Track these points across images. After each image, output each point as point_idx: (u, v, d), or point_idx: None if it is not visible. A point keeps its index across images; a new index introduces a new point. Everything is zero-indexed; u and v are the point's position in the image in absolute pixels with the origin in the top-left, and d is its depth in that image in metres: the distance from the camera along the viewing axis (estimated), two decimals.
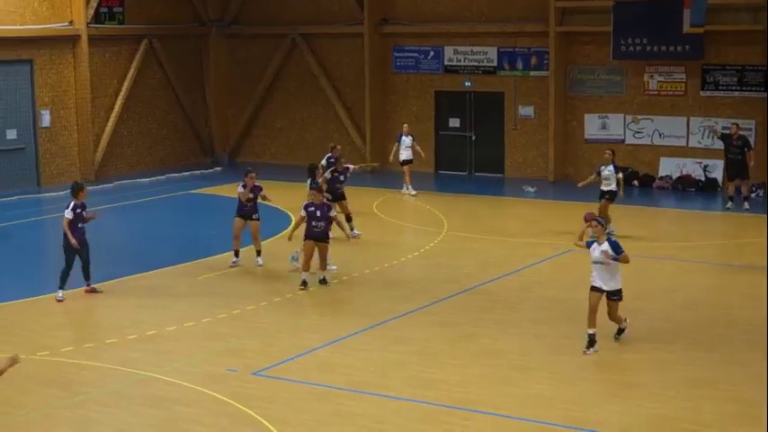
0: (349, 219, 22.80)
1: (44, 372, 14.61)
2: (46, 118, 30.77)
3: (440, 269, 20.51)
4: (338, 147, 25.36)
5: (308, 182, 21.82)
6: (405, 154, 28.77)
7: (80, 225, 18.39)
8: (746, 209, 25.48)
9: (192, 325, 16.75)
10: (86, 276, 18.61)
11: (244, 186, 20.46)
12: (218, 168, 33.89)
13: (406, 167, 28.61)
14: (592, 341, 15.18)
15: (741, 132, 26.60)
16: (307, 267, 18.85)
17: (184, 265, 20.71)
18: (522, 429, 12.49)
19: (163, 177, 32.27)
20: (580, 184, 23.92)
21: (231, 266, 20.38)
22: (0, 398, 13.38)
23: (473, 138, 32.63)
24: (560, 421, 12.62)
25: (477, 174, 32.41)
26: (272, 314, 17.46)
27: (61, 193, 29.25)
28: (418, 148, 28.76)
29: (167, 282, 19.64)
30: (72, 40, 31.10)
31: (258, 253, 20.60)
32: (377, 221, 25.24)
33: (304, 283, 18.79)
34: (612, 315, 15.41)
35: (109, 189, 30.56)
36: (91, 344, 15.71)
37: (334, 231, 20.30)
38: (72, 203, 18.27)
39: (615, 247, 15.08)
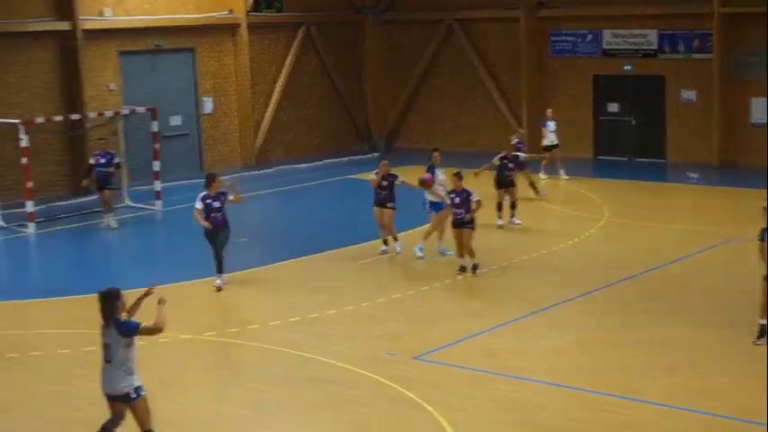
0: (513, 206, 22.65)
1: (210, 352, 14.99)
2: (208, 105, 31.52)
3: (600, 256, 20.21)
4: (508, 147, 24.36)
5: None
6: (548, 139, 28.48)
7: (213, 214, 18.23)
8: None
9: (351, 309, 16.92)
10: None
11: (376, 174, 20.45)
12: (375, 154, 34.09)
13: (548, 153, 28.29)
14: (763, 332, 14.71)
15: None
16: (460, 254, 18.82)
17: (343, 250, 20.91)
18: (687, 420, 12.18)
19: (320, 163, 32.67)
20: None
21: (379, 254, 20.38)
22: (170, 377, 13.80)
23: (633, 122, 32.00)
24: (729, 413, 12.28)
25: (637, 159, 31.78)
26: (431, 299, 17.50)
27: (224, 177, 29.86)
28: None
29: (326, 266, 19.87)
30: (232, 28, 31.75)
31: (395, 239, 20.54)
32: (535, 207, 25.01)
33: (461, 269, 18.76)
34: None
35: (269, 174, 31.12)
36: (255, 325, 16.02)
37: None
38: (202, 194, 18.24)
39: None
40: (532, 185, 25.36)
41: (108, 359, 10.46)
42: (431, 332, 15.64)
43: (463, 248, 18.78)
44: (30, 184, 23.48)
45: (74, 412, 12.37)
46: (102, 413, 11.49)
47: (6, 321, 16.62)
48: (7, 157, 25.19)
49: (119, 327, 10.36)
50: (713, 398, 12.77)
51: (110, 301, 10.44)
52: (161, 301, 10.66)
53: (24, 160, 23.45)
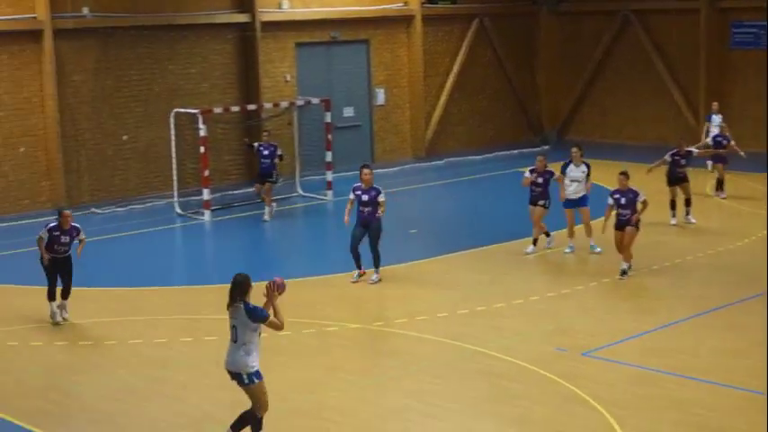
0: (688, 203, 22.10)
1: (379, 342, 15.16)
2: (380, 96, 31.81)
3: None
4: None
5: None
6: (713, 132, 27.58)
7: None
8: None
9: (520, 302, 16.84)
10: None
11: (531, 171, 20.15)
12: (546, 147, 33.79)
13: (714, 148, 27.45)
14: None
15: None
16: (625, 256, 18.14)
17: (510, 243, 20.76)
18: None
19: (491, 155, 32.57)
20: None
21: (526, 253, 19.94)
22: (337, 365, 14.02)
23: None
24: None
25: None
26: (601, 295, 17.28)
27: (394, 169, 30.24)
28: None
29: (495, 258, 19.82)
30: (406, 20, 31.95)
31: (546, 234, 20.20)
32: (709, 203, 24.38)
33: (622, 273, 18.11)
34: None
35: (439, 166, 31.21)
36: (423, 317, 16.12)
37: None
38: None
39: None
40: (720, 183, 24.65)
41: (234, 339, 10.98)
42: (600, 329, 15.44)
43: (622, 250, 18.13)
44: (206, 173, 24.18)
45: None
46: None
47: (178, 307, 17.16)
48: (186, 146, 25.99)
49: (249, 311, 10.86)
50: None
51: (241, 287, 10.96)
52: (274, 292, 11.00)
53: (202, 149, 24.16)
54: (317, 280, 18.45)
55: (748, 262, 19.17)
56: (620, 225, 18.12)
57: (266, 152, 23.81)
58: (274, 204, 24.07)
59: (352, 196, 18.16)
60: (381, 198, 17.95)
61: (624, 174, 18.40)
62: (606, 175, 24.80)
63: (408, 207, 26.06)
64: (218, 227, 23.67)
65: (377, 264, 18.12)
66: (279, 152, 23.95)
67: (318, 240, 23.19)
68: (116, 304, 17.31)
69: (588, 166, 20.22)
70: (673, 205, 22.11)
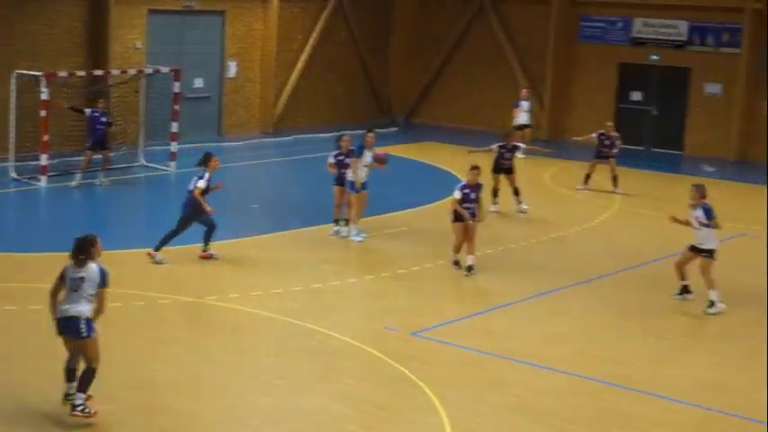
0: (516, 193, 22.55)
1: (212, 316, 15.09)
2: (232, 69, 31.54)
3: (609, 244, 20.20)
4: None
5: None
6: (521, 118, 28.76)
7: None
8: None
9: (355, 281, 16.99)
10: (207, 241, 17.83)
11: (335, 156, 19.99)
12: (395, 129, 34.08)
13: (520, 132, 28.21)
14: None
15: None
16: (458, 249, 17.94)
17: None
18: (680, 412, 12.20)
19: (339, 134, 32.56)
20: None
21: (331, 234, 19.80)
22: (166, 338, 13.91)
23: (654, 112, 31.88)
24: (724, 408, 12.30)
25: (655, 149, 31.67)
26: (435, 277, 17.53)
27: (240, 143, 30.04)
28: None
29: (334, 237, 19.87)
30: None
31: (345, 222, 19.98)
32: (548, 192, 25.00)
33: (456, 263, 17.94)
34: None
35: (287, 142, 31.15)
36: (257, 292, 16.09)
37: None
38: (206, 174, 17.46)
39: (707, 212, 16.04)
40: (614, 179, 25.13)
41: (75, 289, 11.02)
42: (431, 309, 15.69)
43: (470, 243, 17.76)
44: (46, 138, 23.59)
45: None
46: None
47: (9, 273, 16.73)
48: (26, 109, 25.27)
49: (104, 273, 11.11)
50: (705, 390, 12.78)
51: (88, 246, 11.16)
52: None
53: (43, 113, 23.55)
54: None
55: (579, 248, 19.76)
56: (465, 219, 17.75)
57: (104, 119, 23.50)
58: (104, 173, 23.80)
59: (203, 185, 17.47)
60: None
61: (476, 168, 18.09)
62: (451, 159, 25.26)
63: (253, 182, 25.97)
64: (54, 193, 23.13)
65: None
66: (108, 120, 23.81)
67: (156, 211, 22.88)
68: None
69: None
70: (495, 193, 22.47)
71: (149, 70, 26.75)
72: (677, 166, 29.81)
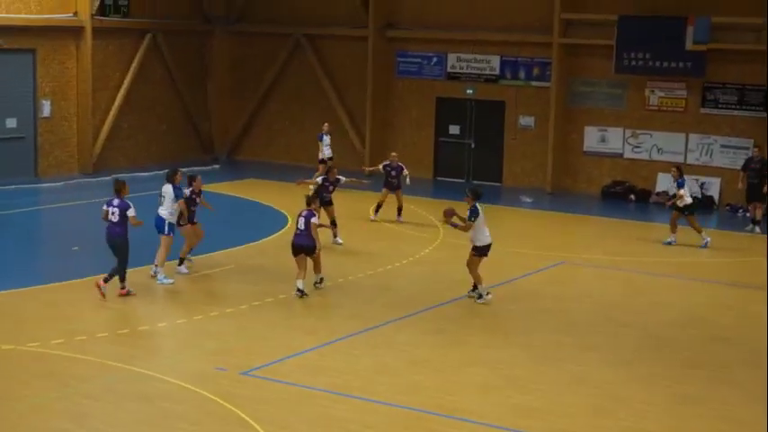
0: (334, 224, 22.71)
1: (34, 363, 14.64)
2: (46, 108, 30.80)
3: (433, 276, 20.55)
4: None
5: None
6: (325, 152, 29.75)
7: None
8: (757, 232, 25.54)
9: (183, 322, 16.80)
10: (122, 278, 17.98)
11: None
12: (217, 166, 33.89)
13: (322, 165, 28.80)
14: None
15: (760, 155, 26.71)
16: (304, 275, 18.41)
17: (174, 262, 20.66)
18: None
19: (161, 172, 32.19)
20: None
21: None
22: None
23: (472, 145, 32.70)
24: (544, 430, 12.69)
25: (475, 181, 32.42)
26: (264, 315, 17.49)
27: (58, 184, 29.35)
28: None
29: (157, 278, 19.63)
30: (76, 31, 31.14)
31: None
32: (372, 226, 25.28)
33: (301, 291, 18.39)
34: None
35: (107, 182, 30.50)
36: (82, 336, 15.73)
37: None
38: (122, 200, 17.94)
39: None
40: (399, 210, 25.50)
41: None
42: (261, 348, 15.64)
43: (314, 268, 18.68)
44: None
45: None
46: None
47: None
48: None
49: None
50: (528, 416, 13.16)
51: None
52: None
53: None
54: None
55: (406, 282, 20.05)
56: (302, 248, 18.33)
57: None
58: None
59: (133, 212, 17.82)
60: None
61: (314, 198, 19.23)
62: (274, 196, 25.28)
63: (72, 224, 25.38)
64: None
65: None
66: None
67: None
68: None
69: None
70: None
71: None
72: (497, 197, 30.58)
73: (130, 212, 17.82)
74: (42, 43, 30.41)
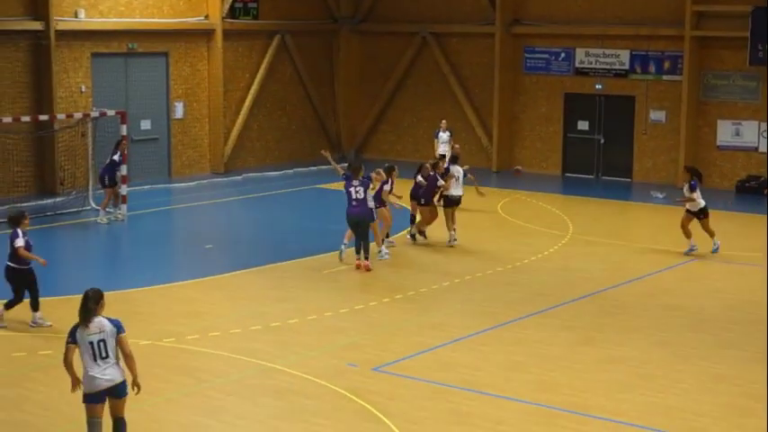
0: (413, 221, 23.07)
1: (170, 358, 14.95)
2: (179, 110, 31.45)
3: (563, 272, 20.32)
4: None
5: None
6: (441, 149, 29.34)
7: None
8: None
9: (314, 318, 16.94)
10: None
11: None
12: (345, 164, 34.05)
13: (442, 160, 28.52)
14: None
15: None
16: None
17: (309, 259, 20.90)
18: None
19: (290, 171, 32.66)
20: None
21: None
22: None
23: (602, 141, 32.23)
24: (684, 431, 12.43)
25: (604, 177, 32.02)
26: (394, 311, 17.54)
27: (191, 183, 29.96)
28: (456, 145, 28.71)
29: (291, 274, 19.86)
30: (207, 33, 31.73)
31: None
32: (501, 222, 25.13)
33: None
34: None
35: (237, 182, 31.08)
36: (216, 332, 16.00)
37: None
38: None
39: None
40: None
41: (104, 355, 10.74)
42: (391, 344, 15.67)
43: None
44: None
45: (25, 416, 12.33)
46: (56, 419, 11.47)
47: None
48: None
49: (118, 324, 10.88)
50: (664, 414, 12.88)
51: (97, 300, 10.88)
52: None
53: None
54: (107, 295, 17.97)
55: (535, 278, 19.84)
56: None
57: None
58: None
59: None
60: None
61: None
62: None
63: (205, 222, 25.88)
64: (4, 240, 22.81)
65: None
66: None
67: (108, 255, 22.72)
68: None
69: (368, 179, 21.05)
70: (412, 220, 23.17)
71: (95, 113, 26.57)
72: (627, 193, 30.12)
73: None
74: (175, 46, 31.06)
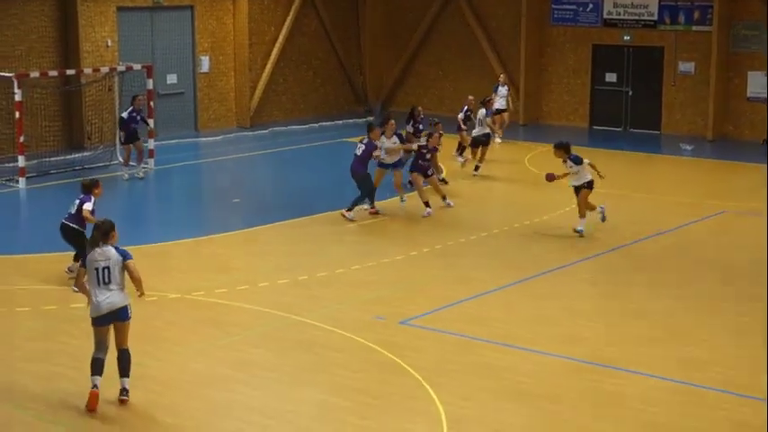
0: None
1: (199, 311, 15.03)
2: (205, 64, 31.39)
3: (590, 225, 20.19)
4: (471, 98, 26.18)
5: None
6: (498, 103, 29.00)
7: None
8: None
9: (341, 272, 16.96)
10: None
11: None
12: (371, 117, 34.00)
13: (498, 116, 28.39)
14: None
15: None
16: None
17: (335, 213, 20.89)
18: (671, 390, 12.27)
19: (316, 125, 32.60)
20: None
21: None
22: (156, 335, 13.85)
23: (630, 93, 31.96)
24: (712, 384, 12.37)
25: (632, 130, 31.78)
26: (421, 264, 17.54)
27: (217, 138, 29.97)
28: (510, 100, 29.41)
29: (318, 229, 19.88)
30: None
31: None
32: (528, 175, 25.02)
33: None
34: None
35: (263, 135, 31.06)
36: (244, 286, 16.07)
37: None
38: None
39: None
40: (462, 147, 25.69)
41: (107, 281, 11.52)
42: (419, 297, 15.69)
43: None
44: (22, 139, 23.44)
45: (55, 368, 12.44)
46: (86, 371, 11.58)
47: None
48: (1, 111, 25.07)
49: (123, 251, 11.77)
50: (694, 368, 12.86)
51: (105, 232, 11.76)
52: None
53: (17, 115, 23.40)
54: (135, 249, 18.09)
55: (563, 231, 19.76)
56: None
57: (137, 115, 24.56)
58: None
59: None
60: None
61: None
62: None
63: (232, 176, 25.91)
64: (34, 194, 22.99)
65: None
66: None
67: (136, 210, 22.79)
68: None
69: (400, 136, 21.61)
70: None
71: (122, 68, 26.57)
72: (656, 145, 29.91)
73: None
74: (200, 0, 30.95)
